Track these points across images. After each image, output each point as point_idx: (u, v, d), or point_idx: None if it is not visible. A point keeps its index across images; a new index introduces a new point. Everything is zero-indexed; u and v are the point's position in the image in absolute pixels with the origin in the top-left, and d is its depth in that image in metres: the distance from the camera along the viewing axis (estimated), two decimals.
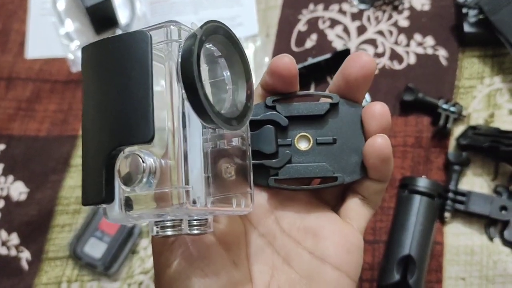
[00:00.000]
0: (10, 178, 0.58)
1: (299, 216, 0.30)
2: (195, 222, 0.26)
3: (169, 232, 0.25)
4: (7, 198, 0.57)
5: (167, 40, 0.25)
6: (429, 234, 0.48)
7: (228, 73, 0.27)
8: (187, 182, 0.24)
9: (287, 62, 0.29)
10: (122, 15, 0.64)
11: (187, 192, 0.24)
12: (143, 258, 0.53)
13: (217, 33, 0.25)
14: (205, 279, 0.28)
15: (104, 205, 0.25)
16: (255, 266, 0.30)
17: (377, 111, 0.29)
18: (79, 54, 0.63)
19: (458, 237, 0.49)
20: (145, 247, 0.53)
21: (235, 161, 0.28)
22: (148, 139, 0.23)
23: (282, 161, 0.30)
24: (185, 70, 0.24)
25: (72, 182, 0.57)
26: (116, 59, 0.24)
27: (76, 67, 0.63)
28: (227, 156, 0.27)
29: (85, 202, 0.25)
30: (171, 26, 0.25)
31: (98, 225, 0.54)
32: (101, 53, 0.25)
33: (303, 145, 0.30)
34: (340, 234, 0.30)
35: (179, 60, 0.24)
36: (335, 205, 0.32)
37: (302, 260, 0.29)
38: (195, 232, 0.26)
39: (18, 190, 0.57)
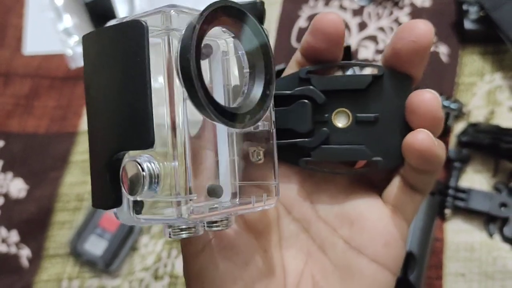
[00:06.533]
0: (10, 175, 0.58)
1: (336, 201, 0.27)
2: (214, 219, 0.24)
3: (184, 235, 0.23)
4: (6, 195, 0.57)
5: (165, 30, 0.21)
6: (429, 230, 0.48)
7: (245, 54, 0.24)
8: (190, 190, 0.22)
9: (334, 18, 0.24)
10: (121, 10, 0.63)
11: (191, 201, 0.22)
12: (144, 255, 0.53)
13: (224, 16, 0.22)
14: (234, 269, 0.25)
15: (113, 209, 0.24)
16: (288, 252, 0.27)
17: (425, 100, 0.24)
18: (78, 50, 0.62)
19: (458, 233, 0.49)
20: (145, 244, 0.53)
21: (263, 145, 0.25)
22: (146, 145, 0.21)
23: (318, 140, 0.26)
24: (183, 68, 0.21)
25: (72, 179, 0.57)
26: (113, 53, 0.22)
27: (75, 63, 0.62)
28: (255, 139, 0.25)
29: (94, 205, 0.24)
30: (172, 12, 0.22)
31: (99, 222, 0.53)
32: (99, 44, 0.23)
33: (341, 122, 0.26)
34: (379, 224, 0.26)
35: (178, 55, 0.21)
36: (383, 187, 0.28)
37: (336, 249, 0.27)
38: (214, 229, 0.24)
39: (18, 187, 0.57)
